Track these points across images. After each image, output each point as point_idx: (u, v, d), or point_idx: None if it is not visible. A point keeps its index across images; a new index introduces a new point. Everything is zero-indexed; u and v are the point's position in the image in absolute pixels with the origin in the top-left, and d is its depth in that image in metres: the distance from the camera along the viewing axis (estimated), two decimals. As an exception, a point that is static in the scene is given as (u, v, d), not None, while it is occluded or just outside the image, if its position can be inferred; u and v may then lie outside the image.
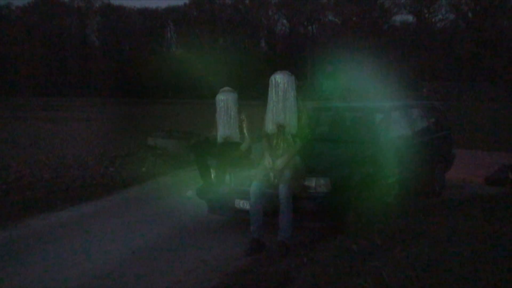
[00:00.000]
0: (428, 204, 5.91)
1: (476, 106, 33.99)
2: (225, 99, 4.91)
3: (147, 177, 8.06)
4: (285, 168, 4.31)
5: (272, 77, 4.38)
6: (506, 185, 7.06)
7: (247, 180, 4.59)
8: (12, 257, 4.43)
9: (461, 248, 3.51)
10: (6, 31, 63.18)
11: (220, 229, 5.19)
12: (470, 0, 51.31)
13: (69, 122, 21.74)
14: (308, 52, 54.83)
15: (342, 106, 7.17)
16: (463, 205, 5.43)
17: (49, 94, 59.66)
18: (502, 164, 7.88)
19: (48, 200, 6.43)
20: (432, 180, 6.64)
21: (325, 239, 4.45)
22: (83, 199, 6.55)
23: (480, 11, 49.57)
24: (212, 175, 5.01)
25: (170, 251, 4.51)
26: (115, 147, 11.53)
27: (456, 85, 43.96)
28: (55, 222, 5.53)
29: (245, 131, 4.93)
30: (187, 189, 5.59)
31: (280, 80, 4.34)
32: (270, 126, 4.41)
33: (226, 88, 5.04)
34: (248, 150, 4.94)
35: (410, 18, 57.31)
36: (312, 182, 4.39)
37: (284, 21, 62.79)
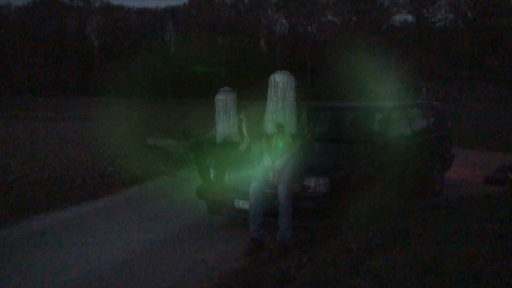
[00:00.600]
0: (428, 204, 5.91)
1: (476, 105, 34.01)
2: (224, 99, 4.91)
3: (146, 177, 8.06)
4: (285, 168, 4.32)
5: (272, 77, 4.38)
6: (505, 185, 7.06)
7: (247, 180, 4.59)
8: (11, 257, 4.44)
9: (460, 248, 3.52)
10: (5, 31, 63.13)
11: (220, 229, 5.19)
12: (470, 0, 51.32)
13: (69, 121, 21.72)
14: (308, 51, 54.81)
15: (341, 105, 7.18)
16: (462, 205, 5.43)
17: (48, 94, 59.61)
18: (502, 164, 7.88)
19: (47, 200, 6.43)
20: (432, 180, 6.65)
21: (324, 239, 4.45)
22: (82, 199, 6.55)
23: (480, 11, 49.54)
24: (212, 175, 5.01)
25: (170, 251, 4.51)
26: (115, 146, 11.51)
27: (455, 84, 43.96)
28: (54, 222, 5.53)
29: (244, 131, 4.94)
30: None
31: (279, 80, 4.34)
32: (269, 126, 4.41)
33: (225, 88, 5.05)
34: (247, 150, 4.94)
35: (409, 18, 57.30)
36: (311, 182, 4.39)
37: (284, 20, 62.78)
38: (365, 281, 3.05)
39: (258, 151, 4.75)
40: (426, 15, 55.00)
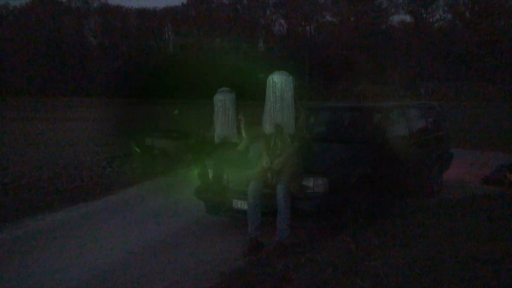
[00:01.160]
0: (426, 204, 5.91)
1: (474, 106, 34.04)
2: (223, 99, 4.91)
3: (145, 178, 8.04)
4: (283, 168, 4.31)
5: (270, 77, 4.38)
6: (504, 185, 7.07)
7: (245, 180, 4.59)
8: (10, 257, 4.43)
9: (459, 248, 3.52)
10: (3, 32, 63.03)
11: (218, 229, 5.19)
12: (468, 1, 51.43)
13: (67, 122, 21.70)
14: (306, 52, 54.85)
15: (340, 106, 7.17)
16: (461, 205, 5.42)
17: (47, 94, 59.53)
18: (500, 164, 7.89)
19: (45, 200, 6.42)
20: (430, 180, 6.65)
21: (323, 239, 4.45)
22: (81, 200, 6.54)
23: (478, 12, 49.67)
24: (210, 175, 5.01)
25: (168, 251, 4.51)
26: (113, 147, 11.50)
27: (453, 85, 44.04)
28: (53, 223, 5.52)
29: (242, 131, 4.94)
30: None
31: (277, 80, 4.34)
32: (267, 126, 4.41)
33: (224, 88, 5.05)
34: (245, 150, 4.94)
35: (407, 18, 57.40)
36: (310, 182, 4.39)
37: (282, 21, 62.82)
38: (364, 281, 3.05)
39: (256, 152, 4.74)
40: (424, 15, 55.11)
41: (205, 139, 5.22)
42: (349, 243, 3.96)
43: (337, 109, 6.71)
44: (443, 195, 6.66)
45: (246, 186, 4.44)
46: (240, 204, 4.63)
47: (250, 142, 4.98)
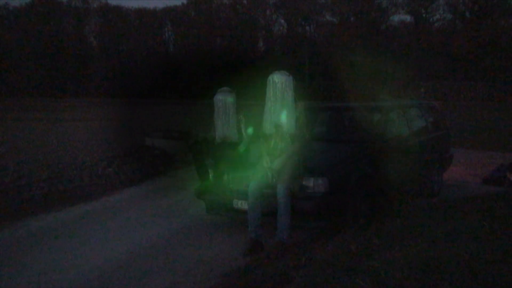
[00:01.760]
0: (426, 204, 5.91)
1: (474, 105, 34.05)
2: (223, 99, 4.91)
3: (145, 178, 8.05)
4: (283, 168, 4.32)
5: (270, 77, 4.38)
6: (504, 185, 7.07)
7: (245, 180, 4.59)
8: (10, 257, 4.43)
9: (459, 248, 3.52)
10: (3, 32, 63.02)
11: (218, 229, 5.19)
12: (468, 0, 51.40)
13: (67, 122, 21.70)
14: (306, 52, 54.82)
15: (340, 106, 7.17)
16: (461, 205, 5.42)
17: (47, 95, 59.55)
18: (500, 164, 7.90)
19: (46, 200, 6.42)
20: (430, 180, 6.65)
21: (323, 239, 4.45)
22: (81, 200, 6.54)
23: (478, 11, 49.64)
24: (210, 175, 5.01)
25: (168, 251, 4.51)
26: (113, 147, 11.50)
27: (453, 84, 44.02)
28: (53, 223, 5.52)
29: (243, 131, 4.94)
30: None
31: (278, 80, 4.34)
32: (268, 126, 4.41)
33: (224, 88, 5.04)
34: (246, 150, 4.94)
35: (407, 18, 57.35)
36: (310, 182, 4.39)
37: (282, 21, 62.80)
38: (364, 281, 3.05)
39: (256, 152, 4.74)
40: (424, 15, 55.08)
41: (205, 139, 5.22)
42: (349, 243, 3.96)
43: (337, 109, 6.71)
44: (443, 195, 6.66)
45: (247, 186, 4.44)
46: (240, 204, 4.64)
47: (251, 142, 4.97)
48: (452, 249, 3.49)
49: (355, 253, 3.73)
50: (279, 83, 4.33)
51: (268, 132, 4.44)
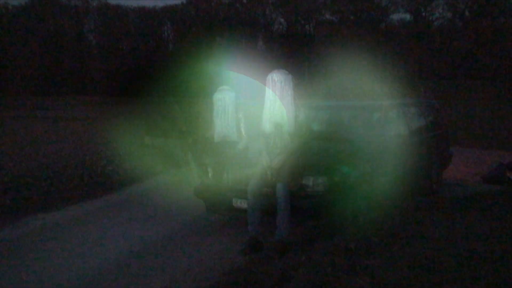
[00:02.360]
0: (425, 202, 5.91)
1: (473, 104, 34.02)
2: (223, 98, 4.91)
3: (144, 177, 8.05)
4: (283, 167, 4.31)
5: (270, 76, 4.37)
6: (503, 183, 7.08)
7: (245, 179, 4.58)
8: (9, 257, 4.43)
9: (458, 246, 3.52)
10: (2, 31, 62.96)
11: (218, 228, 5.19)
12: (467, -1, 51.46)
13: (67, 121, 21.69)
14: (306, 50, 54.84)
15: (339, 104, 7.17)
16: (460, 203, 5.43)
17: (46, 93, 59.48)
18: (500, 162, 7.90)
19: (45, 199, 6.42)
20: (430, 179, 6.65)
21: (322, 238, 4.45)
22: (81, 199, 6.54)
23: (477, 10, 49.66)
24: (210, 174, 5.00)
25: (168, 250, 4.51)
26: (113, 146, 11.50)
27: (453, 83, 44.01)
28: (52, 222, 5.52)
29: (242, 130, 4.93)
30: None
31: (277, 79, 4.33)
32: (267, 125, 4.41)
33: (223, 87, 5.04)
34: (245, 149, 4.93)
35: (407, 16, 57.35)
36: (309, 181, 4.39)
37: (282, 19, 62.77)
38: (363, 280, 3.05)
39: (256, 150, 4.74)
40: (424, 13, 55.08)
41: (204, 138, 5.22)
42: (349, 241, 3.96)
43: (337, 108, 6.70)
44: (442, 194, 6.66)
45: (246, 185, 4.44)
46: (240, 203, 4.63)
47: (250, 140, 4.97)
48: (451, 248, 3.49)
49: (355, 252, 3.73)
50: (278, 81, 4.32)
51: (268, 131, 4.43)
